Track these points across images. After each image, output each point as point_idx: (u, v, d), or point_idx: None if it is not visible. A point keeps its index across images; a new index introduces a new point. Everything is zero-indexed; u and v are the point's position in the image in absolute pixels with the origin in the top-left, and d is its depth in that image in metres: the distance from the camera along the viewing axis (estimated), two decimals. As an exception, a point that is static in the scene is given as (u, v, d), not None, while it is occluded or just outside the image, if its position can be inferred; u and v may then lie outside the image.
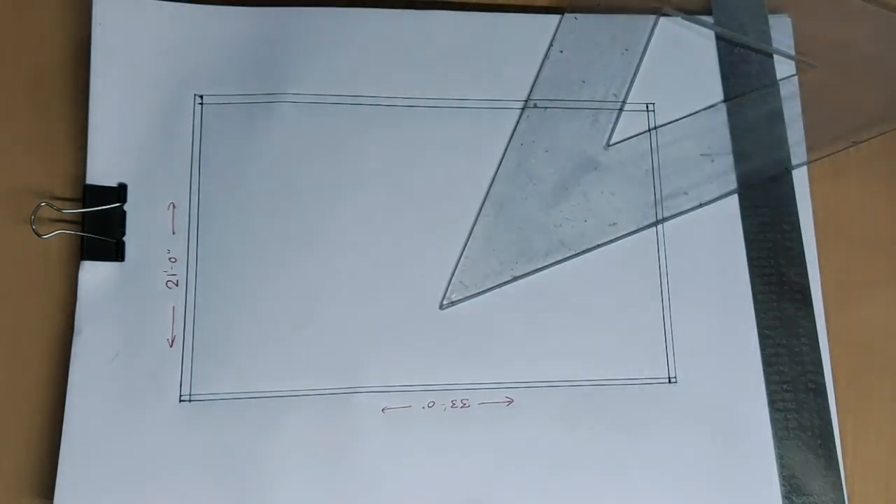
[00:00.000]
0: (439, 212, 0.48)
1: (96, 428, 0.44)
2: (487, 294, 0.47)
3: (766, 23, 0.51)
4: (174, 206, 0.47)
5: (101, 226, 0.46)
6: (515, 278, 0.47)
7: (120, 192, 0.46)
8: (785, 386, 0.46)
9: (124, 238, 0.46)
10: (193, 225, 0.47)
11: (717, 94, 0.50)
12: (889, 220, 0.50)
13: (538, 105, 0.49)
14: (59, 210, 0.46)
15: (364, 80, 0.49)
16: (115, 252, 0.46)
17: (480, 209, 0.48)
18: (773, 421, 0.46)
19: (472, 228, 0.47)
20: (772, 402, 0.46)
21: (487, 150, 0.49)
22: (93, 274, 0.46)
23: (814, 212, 0.49)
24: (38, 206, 0.46)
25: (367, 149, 0.48)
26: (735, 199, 0.49)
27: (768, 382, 0.46)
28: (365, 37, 0.49)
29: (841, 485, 0.45)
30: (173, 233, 0.46)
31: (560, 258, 0.47)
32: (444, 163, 0.48)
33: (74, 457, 0.43)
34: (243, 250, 0.46)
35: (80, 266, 0.46)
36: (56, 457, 0.43)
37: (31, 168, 0.48)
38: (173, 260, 0.46)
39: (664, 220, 0.48)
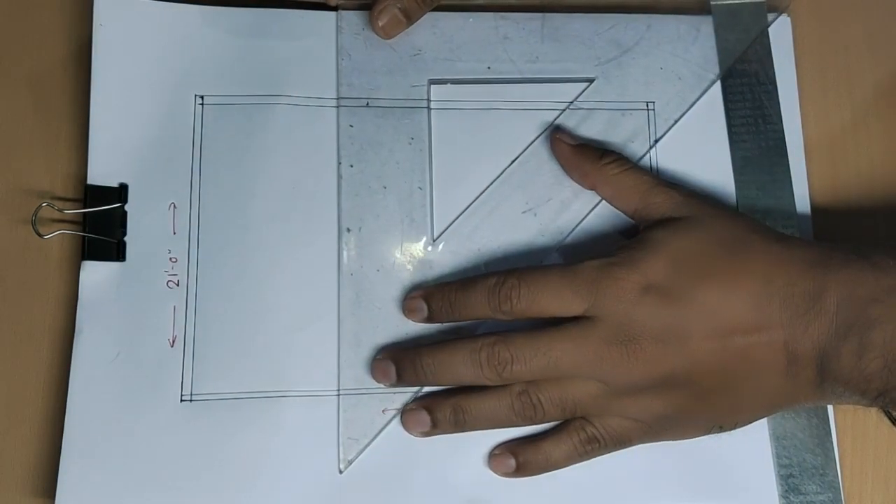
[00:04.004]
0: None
1: (97, 427, 0.44)
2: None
3: (765, 22, 0.51)
4: (175, 207, 0.47)
5: (102, 226, 0.46)
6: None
7: (121, 192, 0.46)
8: (783, 386, 0.46)
9: (125, 238, 0.46)
10: (194, 225, 0.47)
11: (717, 95, 0.50)
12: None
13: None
14: (60, 210, 0.47)
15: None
16: (115, 252, 0.46)
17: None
18: (771, 420, 0.46)
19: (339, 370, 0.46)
20: (770, 402, 0.46)
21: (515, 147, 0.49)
22: (94, 274, 0.46)
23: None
24: (40, 207, 0.46)
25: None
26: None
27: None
28: (363, 39, 0.49)
29: (838, 484, 0.46)
30: (174, 233, 0.46)
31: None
32: (446, 162, 0.49)
33: (76, 456, 0.43)
34: (243, 250, 0.46)
35: (81, 266, 0.46)
36: (57, 456, 0.43)
37: (32, 168, 0.48)
38: (174, 260, 0.46)
39: None
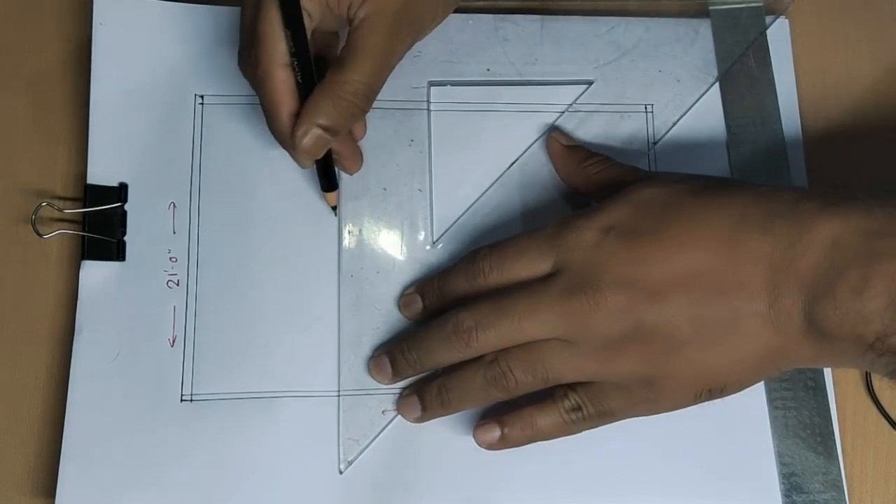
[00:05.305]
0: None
1: (97, 427, 0.44)
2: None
3: (763, 24, 0.51)
4: (174, 206, 0.47)
5: (101, 225, 0.46)
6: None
7: (121, 191, 0.46)
8: (784, 384, 0.46)
9: (125, 238, 0.46)
10: (194, 225, 0.47)
11: (716, 97, 0.51)
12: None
13: None
14: (60, 210, 0.46)
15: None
16: (115, 252, 0.46)
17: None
18: (773, 419, 0.46)
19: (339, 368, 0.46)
20: (771, 401, 0.46)
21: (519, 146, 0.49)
22: (94, 273, 0.46)
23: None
24: (39, 206, 0.46)
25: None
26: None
27: (767, 380, 0.46)
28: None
29: (841, 482, 0.45)
30: (174, 232, 0.46)
31: None
32: (446, 164, 0.49)
33: (76, 456, 0.43)
34: (243, 250, 0.46)
35: (81, 266, 0.46)
36: (57, 456, 0.43)
37: (31, 168, 0.48)
38: (174, 260, 0.46)
39: None
